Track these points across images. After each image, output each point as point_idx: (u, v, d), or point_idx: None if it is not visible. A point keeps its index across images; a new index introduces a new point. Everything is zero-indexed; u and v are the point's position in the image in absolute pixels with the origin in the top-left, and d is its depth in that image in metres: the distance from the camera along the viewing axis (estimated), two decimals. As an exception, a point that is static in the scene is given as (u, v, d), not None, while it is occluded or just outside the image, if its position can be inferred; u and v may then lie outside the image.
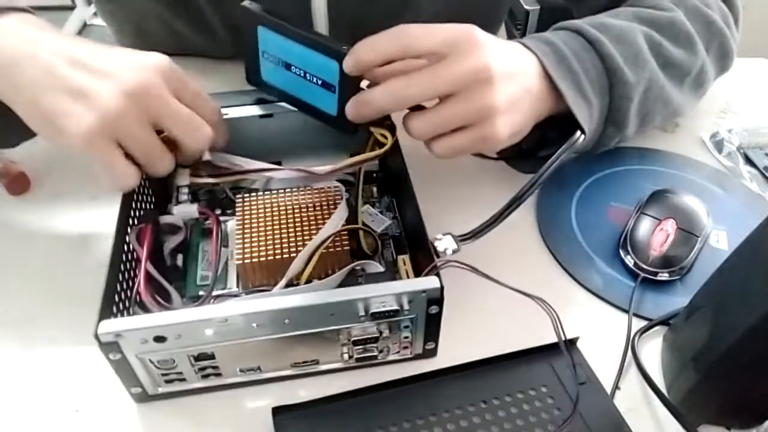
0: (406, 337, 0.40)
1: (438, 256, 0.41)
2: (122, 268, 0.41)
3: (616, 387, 0.41)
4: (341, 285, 0.43)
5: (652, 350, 0.44)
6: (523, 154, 0.50)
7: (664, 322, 0.45)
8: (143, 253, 0.42)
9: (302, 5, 0.61)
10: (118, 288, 0.40)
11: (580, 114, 0.46)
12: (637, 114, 0.52)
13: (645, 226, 0.49)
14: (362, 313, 0.37)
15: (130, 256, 0.42)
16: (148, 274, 0.42)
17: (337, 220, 0.45)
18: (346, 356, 0.41)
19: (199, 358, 0.38)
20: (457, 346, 0.43)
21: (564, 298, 0.47)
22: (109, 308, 0.38)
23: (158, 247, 0.46)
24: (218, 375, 0.40)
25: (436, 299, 0.38)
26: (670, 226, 0.48)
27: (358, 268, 0.45)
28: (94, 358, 0.42)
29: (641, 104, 0.51)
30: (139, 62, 0.39)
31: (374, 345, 0.40)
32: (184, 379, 0.40)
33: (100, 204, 0.54)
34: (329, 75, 0.43)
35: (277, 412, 0.38)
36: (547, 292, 0.47)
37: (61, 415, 0.40)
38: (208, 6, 0.62)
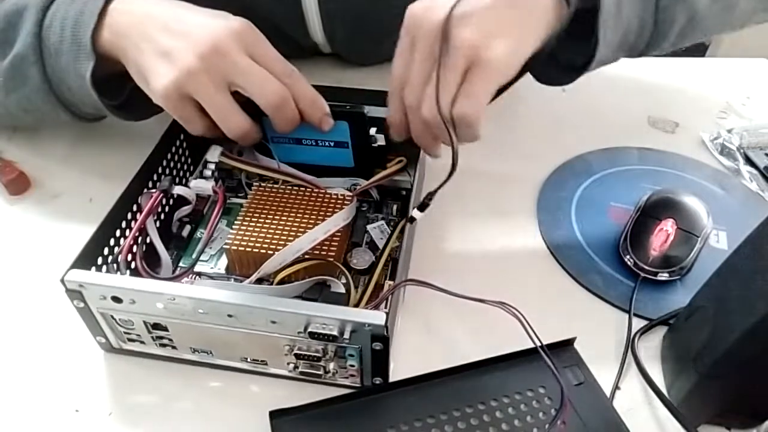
0: (352, 365, 0.39)
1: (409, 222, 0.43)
2: (122, 225, 0.43)
3: (616, 387, 0.41)
4: (308, 296, 0.43)
5: (652, 350, 0.44)
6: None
7: (664, 322, 0.45)
8: (141, 216, 0.43)
9: (294, 7, 0.61)
10: (112, 243, 0.42)
11: None
12: None
13: (645, 226, 0.49)
14: (301, 329, 0.37)
15: (133, 217, 0.44)
16: (143, 237, 0.43)
17: (323, 229, 0.44)
18: (291, 366, 0.40)
19: (154, 327, 0.39)
20: (455, 347, 0.43)
21: (564, 298, 0.47)
22: (89, 259, 0.40)
23: (170, 216, 0.47)
24: (174, 348, 0.41)
25: (380, 336, 0.36)
26: (670, 226, 0.48)
27: (327, 284, 0.44)
28: (95, 358, 0.42)
29: None
30: (216, 24, 0.42)
31: (319, 363, 0.39)
32: (143, 342, 0.41)
33: (100, 204, 0.54)
34: (341, 135, 0.47)
35: (275, 415, 0.38)
36: (547, 292, 0.47)
37: (61, 415, 0.40)
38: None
